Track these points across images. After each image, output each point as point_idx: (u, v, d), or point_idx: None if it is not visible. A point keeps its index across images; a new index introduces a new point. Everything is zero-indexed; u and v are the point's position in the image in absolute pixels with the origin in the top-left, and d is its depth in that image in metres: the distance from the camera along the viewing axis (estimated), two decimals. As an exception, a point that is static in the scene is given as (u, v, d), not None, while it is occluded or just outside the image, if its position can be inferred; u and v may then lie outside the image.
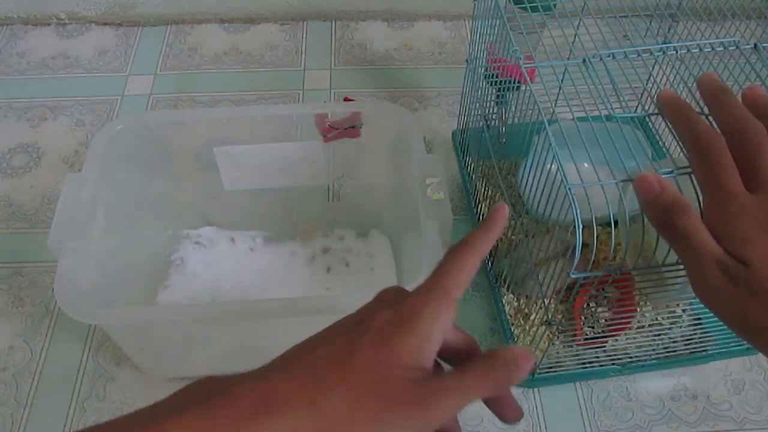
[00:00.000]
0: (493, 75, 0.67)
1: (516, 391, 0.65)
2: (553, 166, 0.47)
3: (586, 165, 0.47)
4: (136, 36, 1.02)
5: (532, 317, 0.65)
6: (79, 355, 0.67)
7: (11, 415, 0.63)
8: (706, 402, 0.64)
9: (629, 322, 0.62)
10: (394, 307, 0.28)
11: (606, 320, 0.63)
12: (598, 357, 0.61)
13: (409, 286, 0.31)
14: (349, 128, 0.63)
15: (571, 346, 0.62)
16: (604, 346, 0.62)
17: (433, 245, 0.52)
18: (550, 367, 0.60)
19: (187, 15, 1.04)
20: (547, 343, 0.59)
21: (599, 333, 0.63)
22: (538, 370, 0.60)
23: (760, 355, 0.67)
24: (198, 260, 0.71)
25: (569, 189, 0.43)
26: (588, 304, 0.64)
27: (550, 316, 0.53)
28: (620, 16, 0.54)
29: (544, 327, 0.58)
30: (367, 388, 0.26)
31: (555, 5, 0.60)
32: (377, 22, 1.05)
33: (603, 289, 0.50)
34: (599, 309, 0.64)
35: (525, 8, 0.58)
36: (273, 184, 0.68)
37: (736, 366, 0.67)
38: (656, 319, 0.64)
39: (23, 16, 1.02)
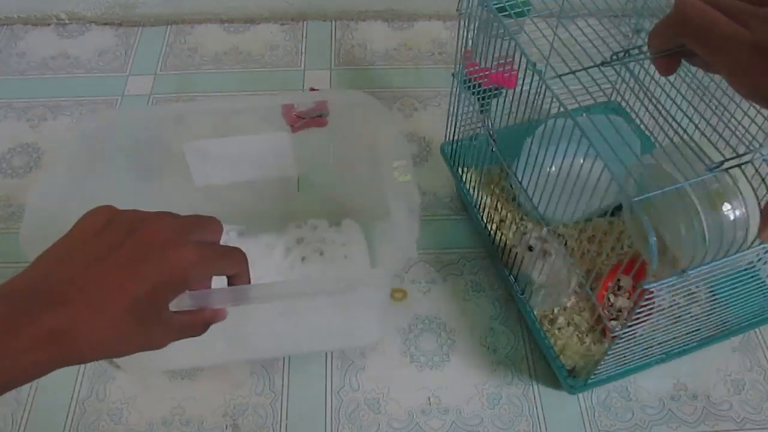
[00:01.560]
0: (474, 84, 0.66)
1: (517, 392, 0.65)
2: (552, 168, 0.47)
3: (581, 160, 0.47)
4: (136, 36, 1.02)
5: (558, 320, 0.64)
6: (79, 355, 0.67)
7: (11, 415, 0.63)
8: (706, 402, 0.64)
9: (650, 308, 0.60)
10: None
11: (626, 310, 0.61)
12: (639, 352, 0.58)
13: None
14: (316, 117, 0.64)
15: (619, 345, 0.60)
16: (637, 338, 0.60)
17: (402, 228, 0.51)
18: (596, 372, 0.58)
19: (187, 15, 1.04)
20: (597, 352, 0.57)
21: (625, 324, 0.62)
22: (592, 376, 0.58)
23: (760, 354, 0.67)
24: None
25: (632, 202, 0.41)
26: (608, 297, 0.63)
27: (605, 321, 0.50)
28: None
29: (571, 328, 0.57)
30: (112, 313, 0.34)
31: (529, 10, 0.60)
32: (377, 22, 1.05)
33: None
34: (618, 299, 0.63)
35: (508, 15, 0.57)
36: (243, 178, 0.68)
37: (736, 366, 0.67)
38: (673, 300, 0.63)
39: (23, 16, 1.03)
